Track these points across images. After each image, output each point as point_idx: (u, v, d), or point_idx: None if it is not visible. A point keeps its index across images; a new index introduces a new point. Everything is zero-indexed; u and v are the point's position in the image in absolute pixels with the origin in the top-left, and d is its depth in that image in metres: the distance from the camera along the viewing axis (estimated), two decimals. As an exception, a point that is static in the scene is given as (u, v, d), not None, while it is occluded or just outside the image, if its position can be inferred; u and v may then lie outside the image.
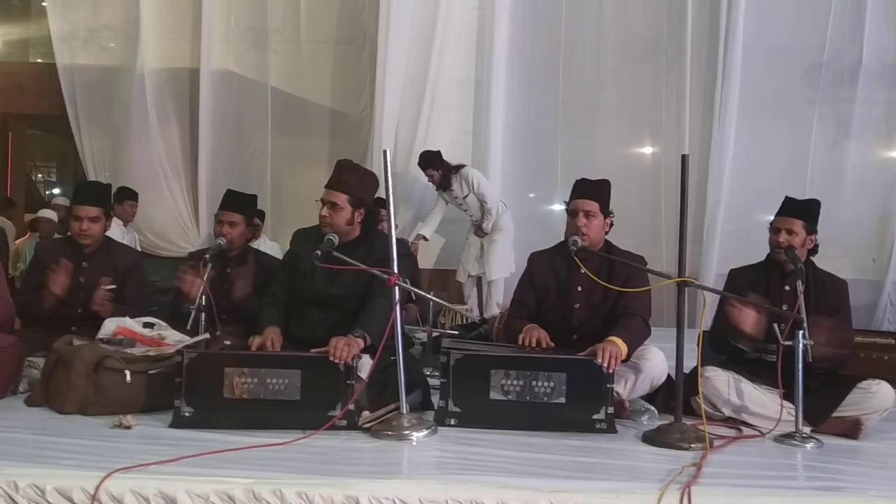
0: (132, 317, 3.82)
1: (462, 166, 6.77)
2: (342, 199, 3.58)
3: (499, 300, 6.77)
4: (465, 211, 6.87)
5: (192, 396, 3.21)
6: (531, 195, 7.81)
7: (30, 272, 4.29)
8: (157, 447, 2.90)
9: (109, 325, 3.71)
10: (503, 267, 6.81)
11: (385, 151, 3.38)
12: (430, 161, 6.73)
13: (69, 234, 4.35)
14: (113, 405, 3.31)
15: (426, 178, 6.84)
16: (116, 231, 6.58)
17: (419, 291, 3.79)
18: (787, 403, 3.40)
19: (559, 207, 7.66)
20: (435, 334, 4.68)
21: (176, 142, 7.61)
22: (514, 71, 7.42)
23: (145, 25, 7.47)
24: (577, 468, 2.83)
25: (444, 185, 6.78)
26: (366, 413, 3.31)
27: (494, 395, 3.30)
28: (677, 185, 7.24)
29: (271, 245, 6.82)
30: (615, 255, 3.73)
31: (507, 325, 4.01)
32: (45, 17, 8.06)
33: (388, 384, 3.37)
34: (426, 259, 7.04)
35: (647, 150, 7.79)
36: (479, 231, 6.86)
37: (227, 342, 3.80)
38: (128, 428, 3.14)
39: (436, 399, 3.52)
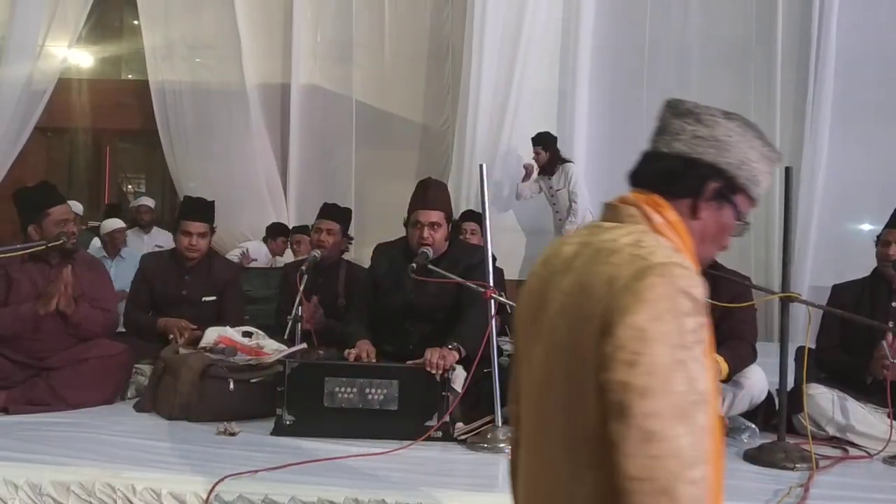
0: (232, 327, 3.94)
1: (569, 161, 6.79)
2: (441, 216, 3.61)
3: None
4: (553, 206, 6.85)
5: (293, 405, 3.30)
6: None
7: (137, 287, 4.44)
8: (261, 454, 3.00)
9: (211, 335, 3.83)
10: None
11: (482, 166, 3.39)
12: (546, 141, 6.75)
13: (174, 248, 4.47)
14: (216, 412, 3.43)
15: (532, 155, 6.81)
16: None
17: (514, 304, 3.79)
18: (895, 423, 3.27)
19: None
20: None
21: (266, 156, 7.79)
22: (597, 80, 7.34)
23: (241, 42, 7.66)
24: (678, 485, 2.79)
25: (545, 171, 6.80)
26: (460, 425, 3.34)
27: (590, 410, 3.27)
28: (768, 196, 7.14)
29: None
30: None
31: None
32: (136, 35, 8.37)
33: (481, 396, 3.39)
34: (509, 270, 7.03)
35: (734, 158, 7.60)
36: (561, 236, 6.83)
37: (321, 352, 3.90)
38: (232, 435, 3.26)
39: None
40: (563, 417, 1.27)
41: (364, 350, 3.52)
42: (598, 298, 1.22)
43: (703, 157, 1.35)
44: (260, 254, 7.09)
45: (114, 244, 6.63)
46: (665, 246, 1.28)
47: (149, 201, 8.01)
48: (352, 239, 4.70)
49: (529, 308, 1.39)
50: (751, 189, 1.38)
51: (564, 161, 6.79)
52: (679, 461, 1.13)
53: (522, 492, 1.41)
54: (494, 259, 3.56)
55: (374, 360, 3.49)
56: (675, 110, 1.40)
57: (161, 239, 7.44)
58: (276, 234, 7.13)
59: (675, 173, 1.36)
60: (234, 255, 6.79)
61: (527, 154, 7.23)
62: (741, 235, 1.41)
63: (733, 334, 3.44)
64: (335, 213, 4.46)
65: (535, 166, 6.87)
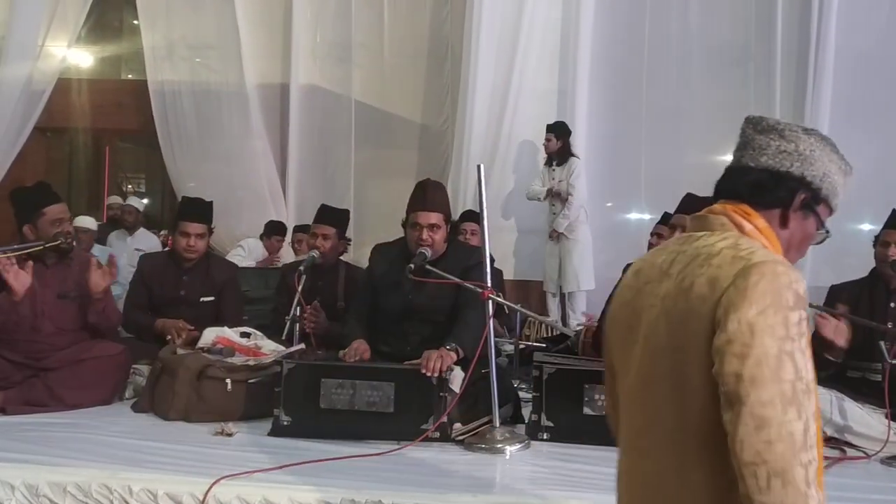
0: (230, 327, 3.94)
1: (576, 156, 6.80)
2: (440, 218, 3.60)
3: (580, 313, 6.71)
4: (550, 198, 6.84)
5: (290, 406, 3.30)
6: (609, 204, 7.71)
7: (135, 286, 4.44)
8: (258, 455, 3.00)
9: (209, 335, 3.83)
10: (579, 280, 6.73)
11: (479, 167, 3.37)
12: (560, 130, 6.75)
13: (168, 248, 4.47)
14: (214, 413, 3.43)
15: (544, 140, 6.82)
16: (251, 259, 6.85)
17: (512, 305, 3.79)
18: (893, 424, 3.26)
19: (638, 216, 7.54)
20: (521, 346, 4.67)
21: (266, 156, 7.78)
22: (597, 81, 7.33)
23: (241, 42, 7.67)
24: (675, 487, 2.78)
25: (552, 160, 6.80)
26: (458, 425, 3.33)
27: (587, 410, 3.27)
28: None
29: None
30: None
31: (595, 338, 3.97)
32: (136, 35, 8.37)
33: (479, 397, 3.39)
34: (507, 271, 7.03)
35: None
36: (553, 233, 6.81)
37: (320, 352, 3.89)
38: (229, 435, 3.25)
39: (526, 412, 3.52)
40: (671, 412, 1.35)
41: (354, 349, 3.50)
42: (703, 298, 1.31)
43: (791, 170, 1.44)
44: (257, 251, 7.06)
45: (77, 242, 6.60)
46: (760, 248, 1.37)
47: (136, 203, 7.95)
48: (349, 241, 4.68)
49: (624, 318, 1.48)
50: (831, 200, 1.48)
51: (572, 155, 6.80)
52: (791, 444, 1.21)
53: (628, 493, 1.49)
54: (493, 260, 3.55)
55: (362, 359, 3.47)
56: (757, 127, 1.50)
57: (144, 242, 7.34)
58: (273, 232, 7.11)
59: (765, 186, 1.45)
60: (234, 256, 6.76)
61: (526, 153, 7.22)
62: (822, 243, 1.51)
63: None
64: (331, 217, 4.43)
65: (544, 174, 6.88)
